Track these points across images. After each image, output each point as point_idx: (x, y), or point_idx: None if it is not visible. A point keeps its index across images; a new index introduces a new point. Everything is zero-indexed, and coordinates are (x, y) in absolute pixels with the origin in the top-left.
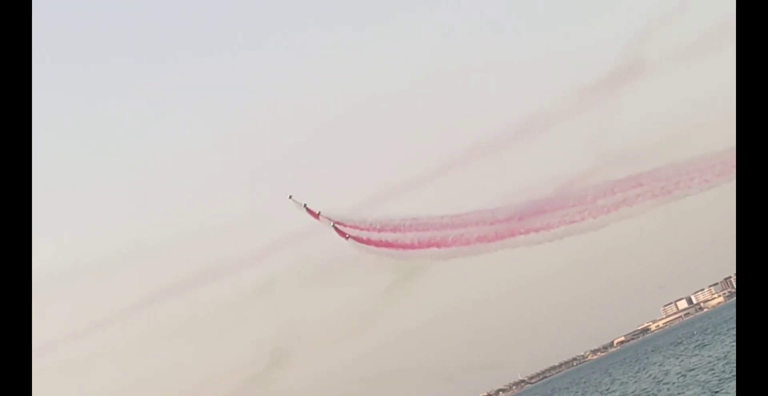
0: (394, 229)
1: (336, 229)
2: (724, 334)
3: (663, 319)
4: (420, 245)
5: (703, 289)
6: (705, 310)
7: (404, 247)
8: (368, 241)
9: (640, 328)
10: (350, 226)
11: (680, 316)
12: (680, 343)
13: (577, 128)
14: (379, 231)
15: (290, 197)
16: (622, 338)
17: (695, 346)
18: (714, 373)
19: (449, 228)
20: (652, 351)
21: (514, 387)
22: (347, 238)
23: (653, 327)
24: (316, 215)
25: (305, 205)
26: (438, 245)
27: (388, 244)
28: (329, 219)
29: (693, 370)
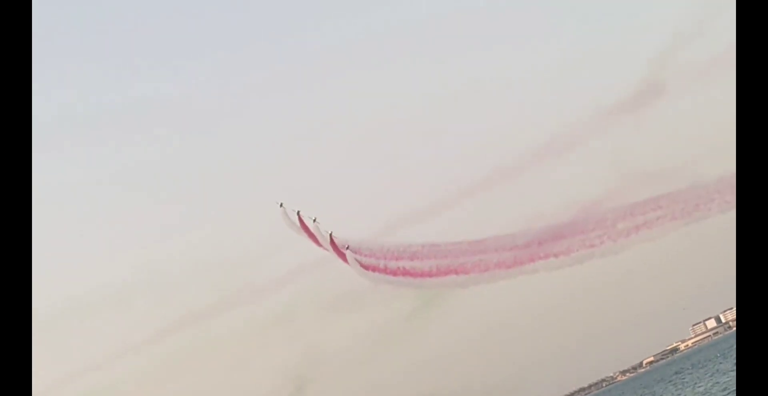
0: (412, 257)
1: (332, 241)
2: None
3: (692, 338)
4: (438, 273)
5: (731, 308)
6: (733, 329)
7: (422, 275)
8: (385, 270)
9: (669, 347)
10: (366, 255)
11: (709, 336)
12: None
13: (599, 150)
14: (397, 259)
15: (281, 205)
16: (651, 358)
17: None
18: None
19: (468, 254)
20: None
21: None
22: (346, 249)
23: (682, 347)
24: (307, 227)
25: (299, 213)
26: (456, 272)
27: (405, 272)
28: (325, 231)
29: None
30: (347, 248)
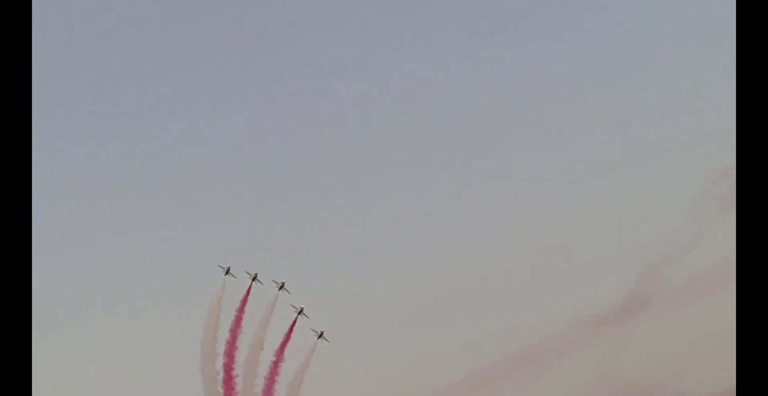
0: None
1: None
2: None
3: None
4: None
5: None
6: None
7: None
8: None
9: None
10: None
11: None
12: None
13: (580, 361)
14: None
15: (228, 271)
16: None
17: None
18: None
19: None
20: None
21: None
22: (320, 336)
23: None
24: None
25: (255, 276)
26: None
27: None
28: (295, 308)
29: None
30: (321, 336)
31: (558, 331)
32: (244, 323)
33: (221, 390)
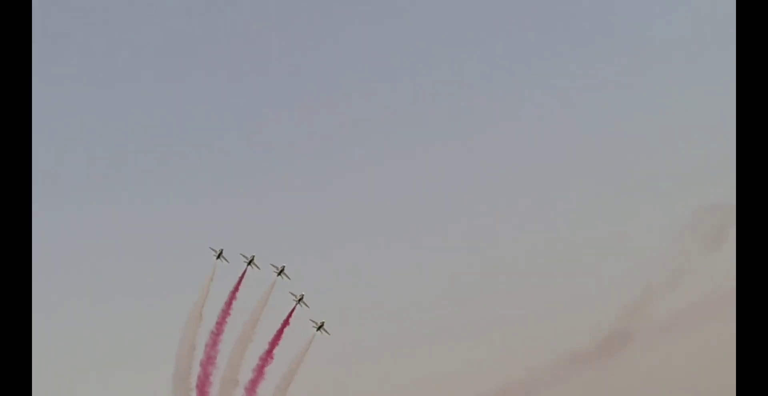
0: None
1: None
2: None
3: None
4: None
5: None
6: None
7: None
8: None
9: None
10: None
11: None
12: None
13: None
14: None
15: (220, 255)
16: None
17: None
18: None
19: None
20: None
21: None
22: (320, 328)
23: None
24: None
25: (252, 259)
26: None
27: None
28: (294, 297)
29: None
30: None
31: (541, 366)
32: (235, 311)
33: None
